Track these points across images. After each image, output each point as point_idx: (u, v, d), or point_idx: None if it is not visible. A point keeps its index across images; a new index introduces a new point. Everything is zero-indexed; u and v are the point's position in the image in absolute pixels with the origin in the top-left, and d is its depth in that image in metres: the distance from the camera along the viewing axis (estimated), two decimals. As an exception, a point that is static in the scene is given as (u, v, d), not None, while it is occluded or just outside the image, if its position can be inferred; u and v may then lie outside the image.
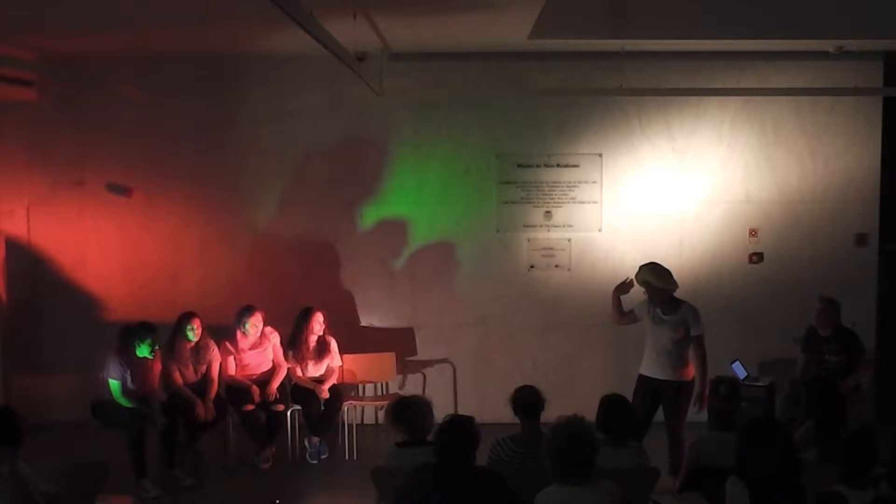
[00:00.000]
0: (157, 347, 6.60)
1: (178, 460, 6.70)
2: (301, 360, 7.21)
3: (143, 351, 6.51)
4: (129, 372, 6.49)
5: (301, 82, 7.90)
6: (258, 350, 7.18)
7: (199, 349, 6.92)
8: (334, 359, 7.36)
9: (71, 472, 4.81)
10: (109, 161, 7.98)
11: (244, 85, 7.95)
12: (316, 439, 7.17)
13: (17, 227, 8.01)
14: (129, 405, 6.46)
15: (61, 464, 4.98)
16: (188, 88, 7.94)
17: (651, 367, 6.32)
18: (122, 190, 7.97)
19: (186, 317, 6.88)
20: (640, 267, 6.43)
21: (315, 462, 7.12)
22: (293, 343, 7.22)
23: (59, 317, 8.01)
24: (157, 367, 6.75)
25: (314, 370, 7.27)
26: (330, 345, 7.33)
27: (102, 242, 8.03)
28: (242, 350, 7.13)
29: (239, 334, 7.11)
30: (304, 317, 7.21)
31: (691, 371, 6.25)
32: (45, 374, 8.04)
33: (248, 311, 7.09)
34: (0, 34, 6.72)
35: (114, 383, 6.46)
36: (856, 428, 4.27)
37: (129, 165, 7.98)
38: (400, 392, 7.89)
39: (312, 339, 7.22)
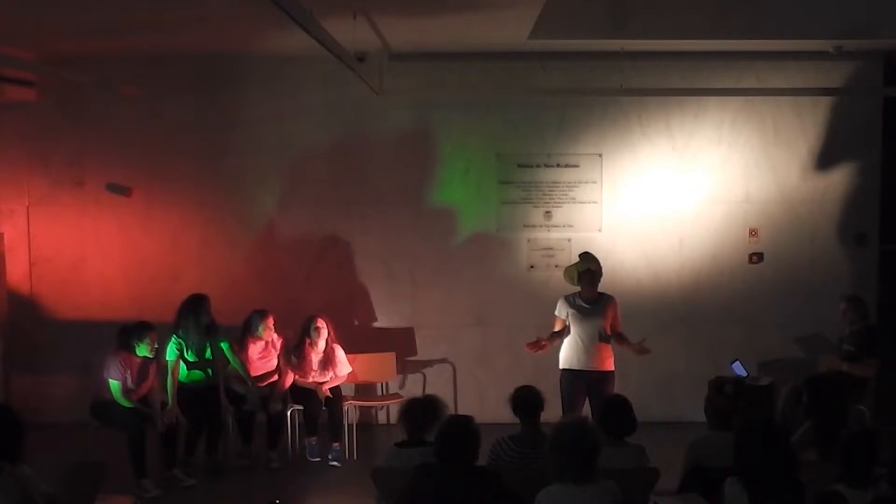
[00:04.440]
0: (156, 347, 6.60)
1: (178, 460, 6.69)
2: (304, 375, 7.14)
3: (142, 350, 6.51)
4: (128, 372, 6.50)
5: (301, 82, 7.90)
6: (265, 360, 7.15)
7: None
8: (340, 367, 7.23)
9: (71, 472, 4.80)
10: (109, 161, 7.98)
11: (244, 85, 7.95)
12: (313, 439, 7.12)
13: (17, 227, 8.01)
14: (129, 405, 6.46)
15: (61, 464, 4.97)
16: (188, 88, 7.94)
17: (578, 360, 6.49)
18: (122, 190, 7.97)
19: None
20: (581, 255, 6.64)
21: (316, 459, 7.07)
22: (296, 355, 7.13)
23: (59, 317, 8.02)
24: (157, 366, 6.75)
25: (319, 378, 7.17)
26: (335, 354, 7.20)
27: (102, 242, 8.03)
28: (251, 360, 7.07)
29: (249, 342, 7.04)
30: (306, 329, 7.10)
31: (612, 361, 6.51)
32: (45, 374, 8.05)
33: (260, 314, 7.02)
34: (1, 34, 6.72)
35: (114, 383, 6.45)
36: (856, 428, 4.27)
37: (129, 165, 7.98)
38: (400, 392, 7.90)
39: (314, 355, 7.12)
